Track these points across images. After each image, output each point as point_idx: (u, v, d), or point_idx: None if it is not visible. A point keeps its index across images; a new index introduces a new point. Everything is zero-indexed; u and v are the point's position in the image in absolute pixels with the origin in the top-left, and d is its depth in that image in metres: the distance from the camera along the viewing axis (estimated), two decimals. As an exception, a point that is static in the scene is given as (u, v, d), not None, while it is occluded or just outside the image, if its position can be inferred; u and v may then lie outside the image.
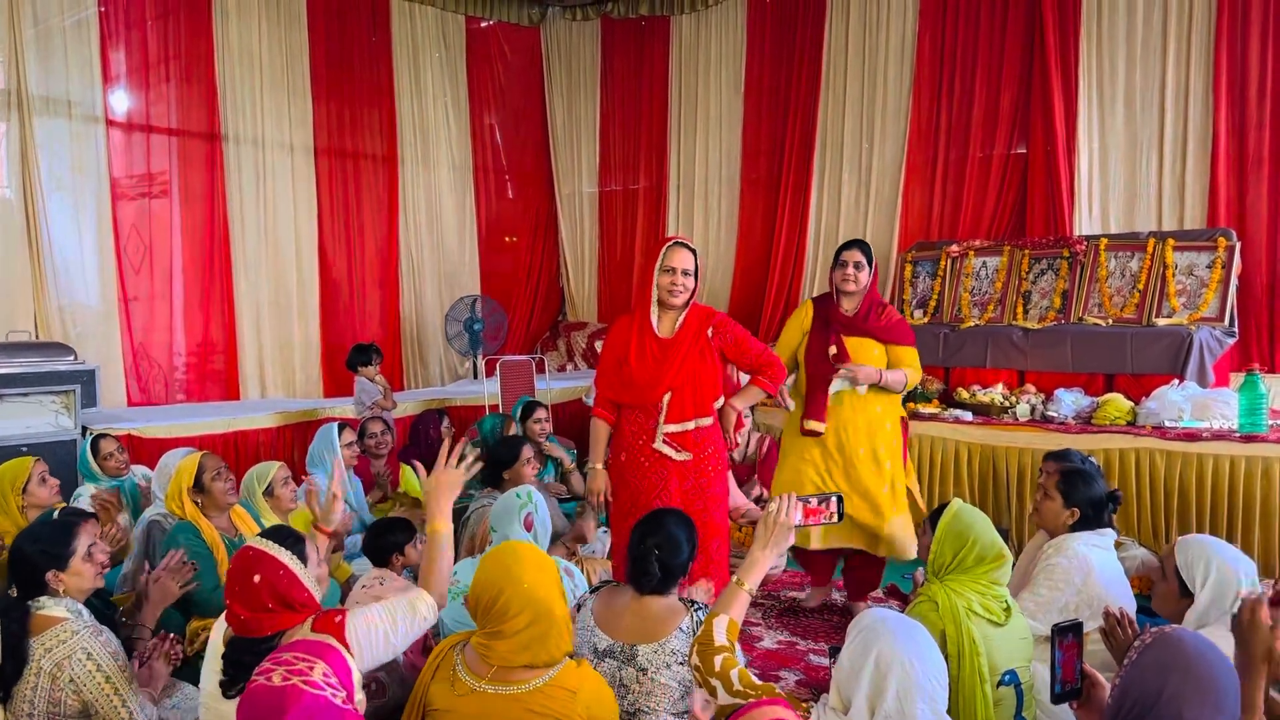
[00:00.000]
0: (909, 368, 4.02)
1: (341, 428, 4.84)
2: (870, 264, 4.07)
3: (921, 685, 1.98)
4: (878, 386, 3.97)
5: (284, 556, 2.33)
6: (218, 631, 2.37)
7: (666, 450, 3.55)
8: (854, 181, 7.61)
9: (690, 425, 3.57)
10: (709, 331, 3.59)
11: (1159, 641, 1.83)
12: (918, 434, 5.42)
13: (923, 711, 1.97)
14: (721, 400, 3.66)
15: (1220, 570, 2.44)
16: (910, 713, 1.96)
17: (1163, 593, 2.59)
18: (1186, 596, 2.46)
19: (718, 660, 2.25)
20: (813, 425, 3.97)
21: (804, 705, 2.21)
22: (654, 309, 3.62)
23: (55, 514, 3.15)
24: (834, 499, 2.48)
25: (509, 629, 2.16)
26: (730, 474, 4.25)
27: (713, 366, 3.59)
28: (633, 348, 3.59)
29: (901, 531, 3.98)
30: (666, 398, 3.56)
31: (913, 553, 3.97)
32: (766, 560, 2.38)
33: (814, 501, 2.46)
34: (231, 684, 2.24)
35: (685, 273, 3.55)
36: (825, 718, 2.11)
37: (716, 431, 3.65)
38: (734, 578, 2.41)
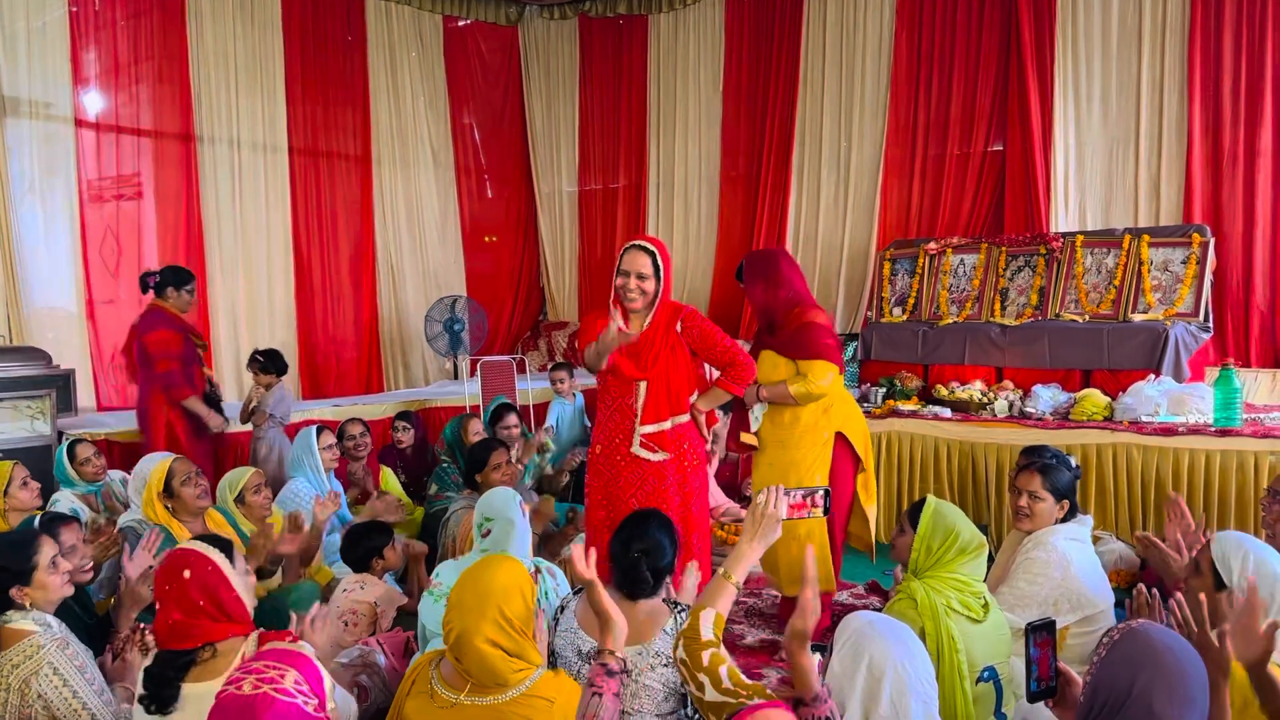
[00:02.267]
0: (799, 377, 3.76)
1: (320, 431, 4.81)
2: (764, 279, 3.90)
3: (915, 688, 1.97)
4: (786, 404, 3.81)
5: (213, 554, 2.33)
6: (145, 664, 2.33)
7: (643, 454, 3.55)
8: (833, 179, 7.63)
9: (667, 425, 3.56)
10: (677, 326, 3.56)
11: (1127, 637, 1.84)
12: (896, 431, 5.43)
13: (916, 713, 1.96)
14: (695, 395, 3.64)
15: (1259, 566, 2.41)
16: (905, 714, 1.95)
17: (1196, 587, 2.58)
18: (1221, 590, 2.46)
19: (705, 655, 2.23)
20: (746, 438, 3.87)
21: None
22: (615, 311, 3.57)
23: (36, 521, 3.15)
24: (820, 493, 2.46)
25: (469, 660, 2.16)
26: (710, 472, 4.25)
27: (684, 362, 3.58)
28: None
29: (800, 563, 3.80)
30: (641, 398, 3.55)
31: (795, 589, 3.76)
32: (754, 553, 2.36)
33: (799, 496, 2.44)
34: (151, 700, 2.21)
35: (640, 276, 3.47)
36: None
37: (693, 427, 3.64)
38: (720, 570, 2.39)
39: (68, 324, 6.40)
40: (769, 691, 2.18)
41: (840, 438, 3.90)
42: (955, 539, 2.64)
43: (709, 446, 3.82)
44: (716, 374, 3.74)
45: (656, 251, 3.52)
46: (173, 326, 5.10)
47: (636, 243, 3.55)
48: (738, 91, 8.24)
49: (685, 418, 3.59)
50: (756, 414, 3.95)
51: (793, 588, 3.86)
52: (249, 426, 5.68)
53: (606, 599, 2.33)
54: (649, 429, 3.54)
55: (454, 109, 8.93)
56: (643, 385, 3.55)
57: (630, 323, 3.58)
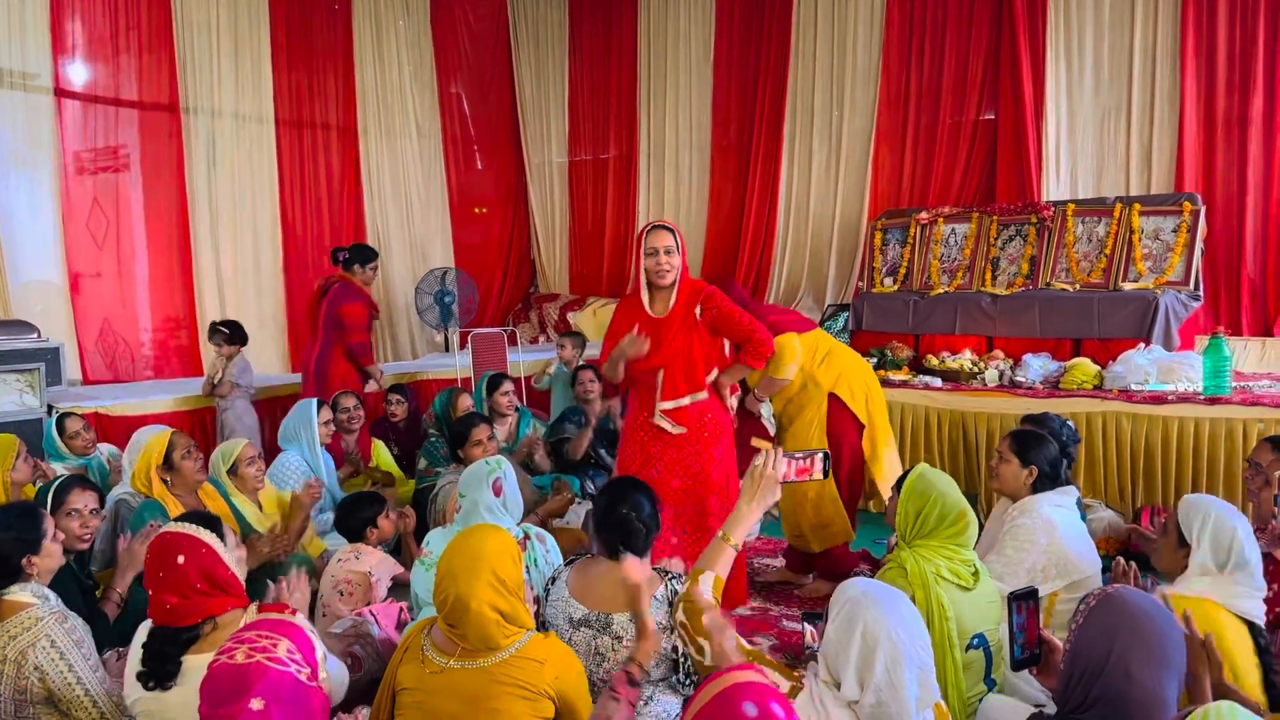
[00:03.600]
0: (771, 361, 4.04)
1: (320, 405, 4.79)
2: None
3: (909, 656, 1.98)
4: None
5: (204, 535, 2.32)
6: (140, 633, 2.34)
7: (664, 424, 3.73)
8: (824, 149, 7.60)
9: (685, 401, 3.73)
10: (697, 309, 3.69)
11: (1103, 604, 1.85)
12: (888, 401, 5.42)
13: (910, 681, 1.97)
14: (715, 373, 3.78)
15: (1216, 525, 2.48)
16: (899, 683, 1.96)
17: (1162, 545, 2.64)
18: (1183, 547, 2.51)
19: (706, 619, 2.23)
20: (757, 442, 4.03)
21: (797, 674, 2.21)
22: (645, 292, 3.75)
23: (52, 487, 3.17)
24: (818, 455, 2.47)
25: (465, 624, 2.19)
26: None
27: (702, 342, 3.72)
28: (632, 327, 3.70)
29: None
30: (660, 375, 3.71)
31: (823, 544, 4.21)
32: (753, 515, 2.38)
33: (800, 458, 2.46)
34: (150, 675, 2.22)
35: (668, 251, 3.65)
36: (817, 689, 2.10)
37: (713, 403, 3.78)
38: (719, 533, 2.40)
39: (55, 297, 6.35)
40: (766, 658, 2.20)
41: (835, 399, 4.12)
42: (934, 505, 2.65)
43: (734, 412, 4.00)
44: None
45: (675, 229, 3.71)
46: (363, 300, 5.75)
47: (657, 224, 3.73)
48: (729, 60, 8.18)
49: (704, 395, 3.75)
50: (767, 416, 4.31)
51: (822, 544, 4.21)
52: (214, 400, 5.82)
53: (649, 612, 2.35)
54: (668, 405, 3.73)
55: (442, 79, 8.84)
56: (660, 371, 3.72)
57: (655, 303, 3.73)
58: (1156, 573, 2.79)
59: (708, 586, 2.31)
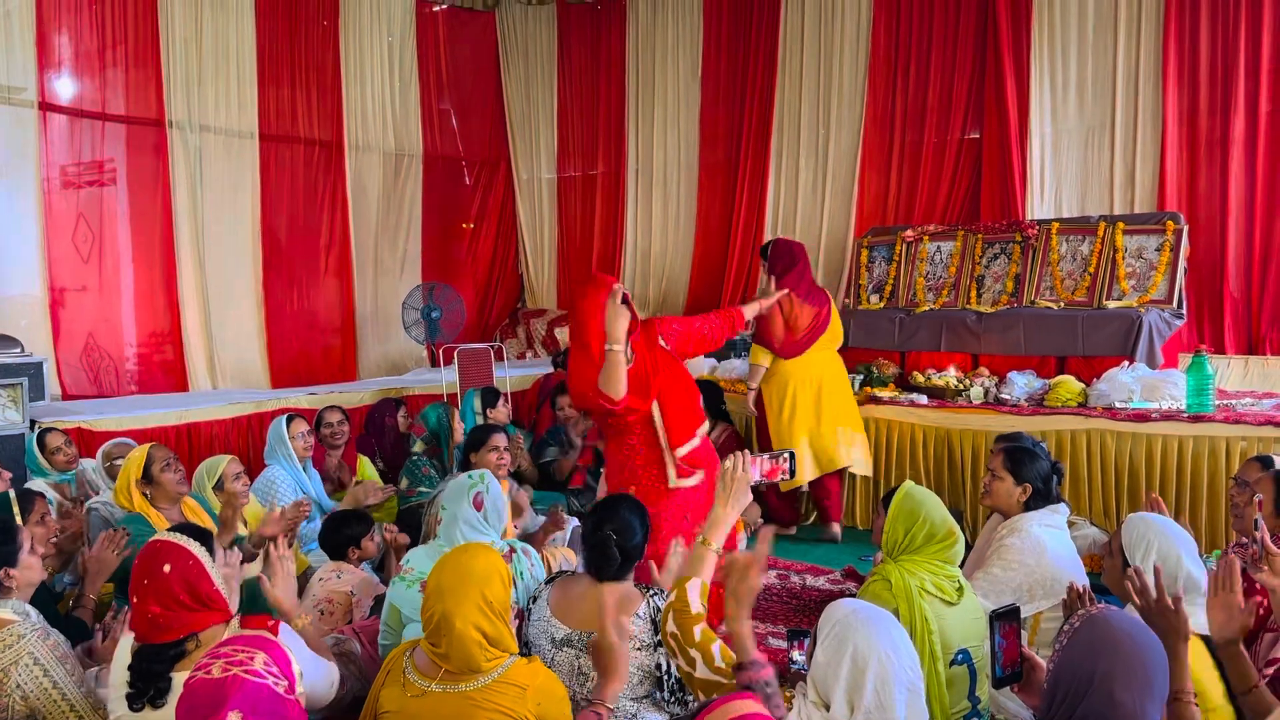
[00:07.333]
0: None
1: (290, 419, 4.76)
2: None
3: (899, 677, 1.97)
4: None
5: (193, 547, 2.29)
6: (122, 653, 2.30)
7: (683, 484, 3.39)
8: (811, 167, 7.64)
9: (697, 441, 3.47)
10: (659, 340, 3.54)
11: (1088, 624, 1.85)
12: (874, 417, 5.47)
13: (900, 702, 1.97)
14: (757, 306, 4.28)
15: (1160, 550, 2.50)
16: (889, 704, 1.95)
17: (1109, 568, 2.67)
18: (1127, 569, 2.52)
19: (697, 630, 2.21)
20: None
21: (787, 694, 2.20)
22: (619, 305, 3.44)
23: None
24: (785, 455, 2.51)
25: (449, 644, 2.18)
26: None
27: (682, 371, 3.57)
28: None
29: None
30: (660, 425, 3.39)
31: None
32: (729, 518, 2.39)
33: (767, 460, 2.49)
34: (139, 695, 2.19)
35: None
36: (805, 709, 2.10)
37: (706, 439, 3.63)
38: (699, 538, 2.40)
39: (37, 312, 6.31)
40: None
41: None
42: (924, 524, 2.65)
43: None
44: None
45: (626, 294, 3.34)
46: None
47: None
48: (716, 78, 8.23)
49: (706, 426, 3.62)
50: None
51: None
52: None
53: (618, 652, 2.26)
54: (683, 450, 3.41)
55: (429, 95, 8.86)
56: (656, 412, 3.38)
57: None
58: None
59: (695, 595, 2.30)
